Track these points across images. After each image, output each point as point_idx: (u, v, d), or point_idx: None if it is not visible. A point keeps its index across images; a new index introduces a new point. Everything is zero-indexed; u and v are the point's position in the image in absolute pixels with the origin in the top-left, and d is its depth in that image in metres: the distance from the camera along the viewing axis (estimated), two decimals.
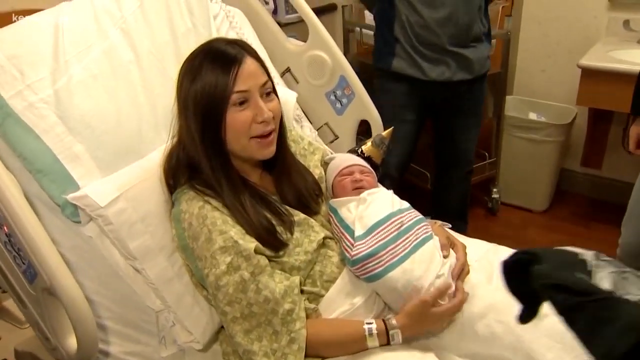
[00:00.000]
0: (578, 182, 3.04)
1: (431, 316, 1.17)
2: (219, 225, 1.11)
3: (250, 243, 1.11)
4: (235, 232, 1.11)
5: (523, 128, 2.81)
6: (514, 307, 1.22)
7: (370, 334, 1.14)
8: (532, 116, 2.90)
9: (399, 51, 2.04)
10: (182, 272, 1.24)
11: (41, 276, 1.05)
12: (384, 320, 1.16)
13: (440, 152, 2.40)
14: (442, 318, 1.19)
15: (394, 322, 1.16)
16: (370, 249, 1.23)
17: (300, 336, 1.10)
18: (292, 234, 1.21)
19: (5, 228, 1.08)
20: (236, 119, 1.13)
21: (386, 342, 1.15)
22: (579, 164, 2.99)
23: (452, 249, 1.31)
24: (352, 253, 1.24)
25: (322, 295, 1.23)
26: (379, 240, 1.25)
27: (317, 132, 1.81)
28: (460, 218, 2.49)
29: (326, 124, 1.85)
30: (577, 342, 1.17)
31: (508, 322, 1.20)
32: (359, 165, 1.44)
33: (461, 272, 1.27)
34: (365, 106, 1.78)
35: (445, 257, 1.27)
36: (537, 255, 1.01)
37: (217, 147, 1.15)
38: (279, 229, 1.19)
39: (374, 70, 2.17)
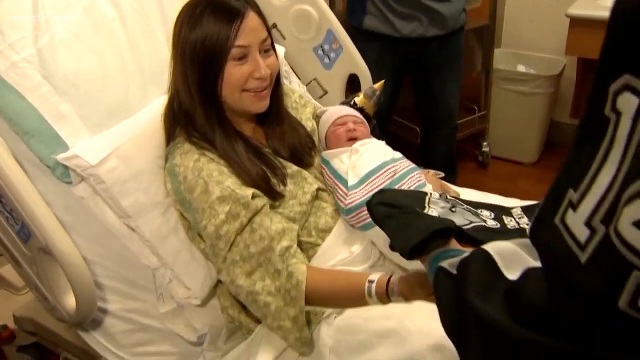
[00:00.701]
0: (568, 134, 3.04)
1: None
2: (216, 177, 1.11)
3: (248, 191, 1.11)
4: (232, 182, 1.11)
5: (512, 81, 2.80)
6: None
7: (370, 295, 1.05)
8: (521, 69, 2.89)
9: (370, 8, 2.01)
10: (178, 228, 1.24)
11: (36, 236, 1.05)
12: (388, 282, 1.07)
13: (423, 109, 2.39)
14: None
15: (396, 289, 1.03)
16: (364, 198, 1.24)
17: (298, 270, 1.09)
18: (285, 186, 1.21)
19: None
20: (233, 73, 1.13)
21: (387, 302, 1.07)
22: (569, 115, 2.99)
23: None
24: (346, 202, 1.24)
25: (319, 245, 1.24)
26: (373, 189, 1.25)
27: (306, 88, 1.80)
28: (449, 172, 2.49)
29: (315, 79, 1.83)
30: None
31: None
32: (353, 116, 1.43)
33: None
34: (354, 60, 1.76)
35: None
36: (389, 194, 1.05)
37: (212, 98, 1.15)
38: (273, 181, 1.18)
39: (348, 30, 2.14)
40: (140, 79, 1.34)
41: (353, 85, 1.83)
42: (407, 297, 0.98)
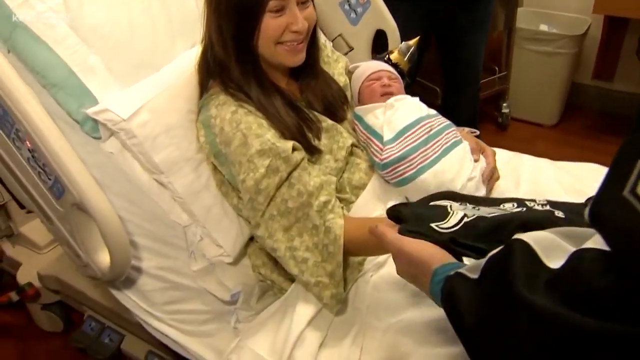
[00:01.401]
0: (589, 96, 2.99)
1: None
2: (255, 129, 1.08)
3: (288, 143, 1.09)
4: (272, 135, 1.08)
5: (534, 40, 2.73)
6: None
7: None
8: (544, 28, 2.81)
9: None
10: (210, 183, 1.21)
11: (70, 191, 1.02)
12: None
13: (447, 70, 2.34)
14: None
15: None
16: (401, 152, 1.21)
17: (335, 224, 1.07)
18: (319, 140, 1.18)
19: (27, 143, 1.04)
20: (270, 25, 1.09)
21: None
22: (590, 76, 2.93)
23: (482, 154, 1.29)
24: (382, 157, 1.22)
25: (353, 202, 1.21)
26: (409, 144, 1.22)
27: (331, 44, 1.74)
28: None
29: (340, 35, 1.77)
30: None
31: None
32: (387, 71, 1.39)
33: (491, 177, 1.25)
34: (381, 15, 1.70)
35: (475, 161, 1.25)
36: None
37: (248, 50, 1.12)
38: (309, 135, 1.15)
39: None
40: (168, 30, 1.29)
41: (379, 42, 1.77)
42: None
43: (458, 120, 2.43)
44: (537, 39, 2.72)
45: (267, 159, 1.07)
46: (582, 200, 1.31)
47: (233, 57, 1.12)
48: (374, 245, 1.02)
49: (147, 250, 1.18)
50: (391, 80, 1.37)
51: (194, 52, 1.25)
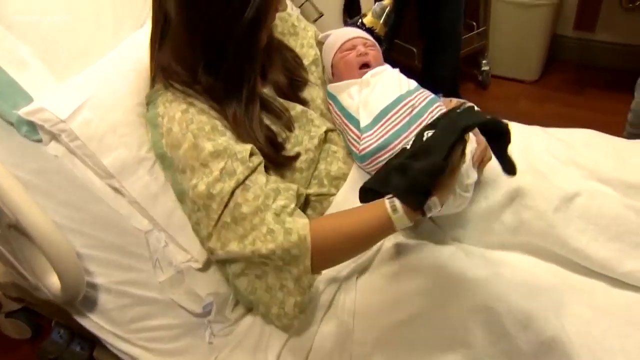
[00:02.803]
0: (570, 48, 2.87)
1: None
2: (207, 132, 0.95)
3: (246, 145, 0.97)
4: (226, 138, 0.95)
5: None
6: (543, 188, 1.11)
7: (395, 210, 0.86)
8: None
9: None
10: (168, 184, 1.08)
11: (3, 211, 0.88)
12: None
13: (426, 29, 2.21)
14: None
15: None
16: (380, 141, 1.09)
17: (297, 224, 0.93)
18: (291, 131, 1.05)
19: None
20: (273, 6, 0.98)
21: (420, 214, 0.88)
22: (572, 27, 2.81)
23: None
24: (360, 147, 1.09)
25: (333, 194, 1.10)
26: (389, 129, 1.10)
27: (299, 11, 1.59)
28: (452, 95, 2.35)
29: (307, 0, 1.62)
30: (611, 221, 1.08)
31: (537, 207, 1.10)
32: (362, 37, 1.25)
33: (482, 159, 1.14)
34: None
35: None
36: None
37: (252, 42, 0.97)
38: (276, 127, 1.02)
39: None
40: (111, 10, 1.13)
41: (352, 5, 1.63)
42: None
43: (439, 82, 2.33)
44: None
45: (222, 161, 0.94)
46: (580, 173, 1.22)
47: (212, 53, 0.96)
48: (358, 231, 0.91)
49: (105, 264, 1.05)
50: (367, 47, 1.23)
51: (144, 33, 1.11)
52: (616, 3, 2.64)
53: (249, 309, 1.11)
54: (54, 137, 1.01)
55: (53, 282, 0.97)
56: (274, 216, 0.94)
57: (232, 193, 0.94)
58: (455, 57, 2.25)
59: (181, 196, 1.02)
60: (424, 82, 2.37)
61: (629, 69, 2.74)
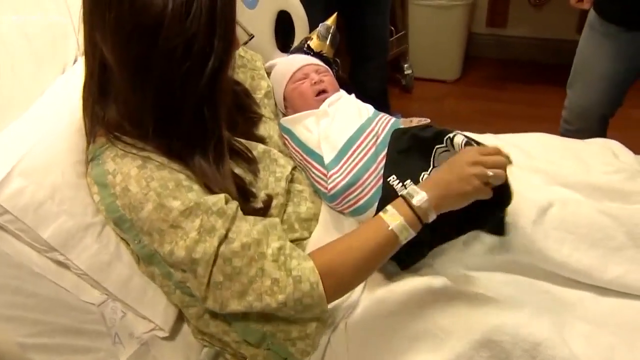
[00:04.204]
0: (486, 45, 2.94)
1: (459, 170, 0.88)
2: (172, 189, 0.82)
3: (218, 195, 0.86)
4: (194, 193, 0.84)
5: None
6: (522, 204, 1.08)
7: (390, 214, 0.86)
8: None
9: None
10: (121, 250, 0.95)
11: None
12: (402, 198, 0.88)
13: (353, 41, 2.15)
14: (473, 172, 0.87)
15: (422, 193, 0.86)
16: (349, 177, 1.01)
17: (304, 270, 0.85)
18: (257, 175, 0.95)
19: None
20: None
21: (418, 223, 0.87)
22: (485, 24, 2.88)
23: None
24: (328, 186, 1.01)
25: (306, 238, 1.01)
26: (357, 163, 1.03)
27: None
28: (382, 107, 2.32)
29: (237, 22, 1.52)
30: (588, 228, 1.07)
31: (517, 223, 1.06)
32: (313, 64, 1.17)
33: None
34: None
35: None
36: None
37: (216, 94, 0.83)
38: (243, 173, 0.93)
39: None
40: (26, 53, 0.98)
41: (283, 24, 1.54)
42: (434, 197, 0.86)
43: (369, 92, 2.29)
44: None
45: (196, 219, 0.83)
46: (544, 180, 1.21)
47: (167, 114, 0.82)
48: (364, 254, 0.86)
49: (56, 350, 0.90)
50: (321, 74, 1.15)
51: (69, 79, 0.97)
52: (524, 2, 2.73)
53: None
54: None
55: None
56: (273, 263, 0.85)
57: (217, 251, 0.83)
58: (383, 65, 2.22)
59: (149, 259, 0.90)
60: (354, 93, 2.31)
61: (542, 61, 2.85)
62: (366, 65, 2.18)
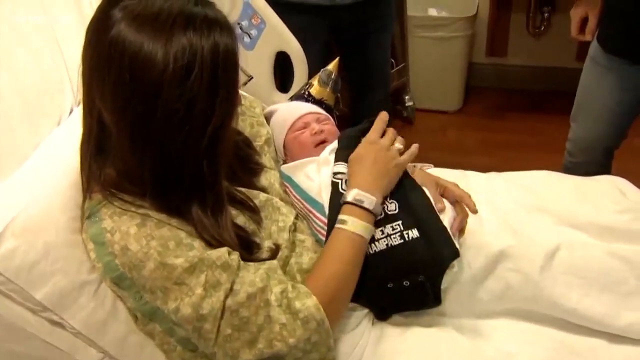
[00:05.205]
0: (486, 75, 2.94)
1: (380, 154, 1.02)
2: (173, 249, 0.80)
3: (221, 249, 0.84)
4: (196, 250, 0.82)
5: (427, 27, 2.61)
6: (524, 248, 1.05)
7: (344, 222, 0.94)
8: (432, 12, 2.71)
9: None
10: (118, 307, 0.92)
11: None
12: (343, 203, 0.96)
13: (354, 76, 2.14)
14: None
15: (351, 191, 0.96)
16: None
17: (309, 308, 0.84)
18: (259, 224, 0.93)
19: None
20: None
21: (368, 214, 0.95)
22: (484, 54, 2.88)
23: (443, 195, 1.09)
24: None
25: None
26: None
27: None
28: None
29: None
30: (598, 272, 1.04)
31: (522, 269, 1.03)
32: (313, 112, 1.15)
33: (462, 228, 1.06)
34: (280, 35, 1.47)
35: (440, 211, 1.03)
36: None
37: (217, 153, 0.83)
38: (246, 223, 0.91)
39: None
40: (17, 103, 0.96)
41: (283, 65, 1.53)
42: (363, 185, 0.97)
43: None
44: (429, 25, 2.61)
45: (201, 275, 0.81)
46: (551, 221, 1.18)
47: (167, 174, 0.81)
48: (344, 262, 0.92)
49: None
50: (321, 123, 1.13)
51: (65, 129, 0.96)
52: (523, 28, 2.73)
53: None
54: None
55: None
56: (278, 308, 0.84)
57: (224, 305, 0.81)
58: (386, 98, 2.20)
59: (150, 315, 0.87)
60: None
61: (542, 89, 2.85)
62: (368, 99, 2.16)
